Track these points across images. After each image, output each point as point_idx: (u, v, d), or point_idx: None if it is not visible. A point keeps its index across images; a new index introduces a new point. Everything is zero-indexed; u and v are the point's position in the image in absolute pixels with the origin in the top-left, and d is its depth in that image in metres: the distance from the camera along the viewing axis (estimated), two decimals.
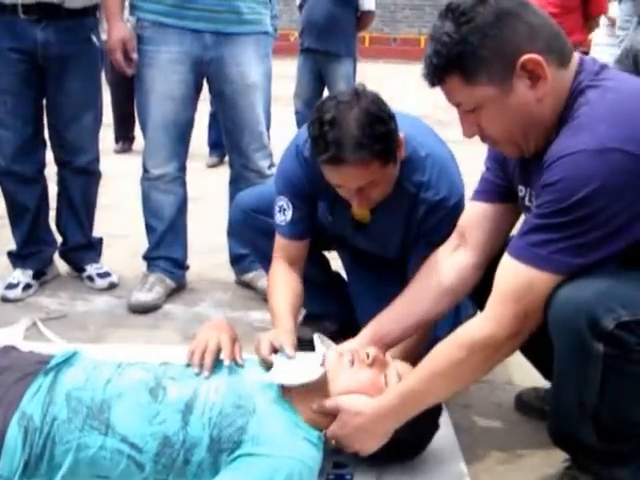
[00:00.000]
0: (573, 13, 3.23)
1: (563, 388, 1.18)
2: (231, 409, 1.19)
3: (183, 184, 2.18)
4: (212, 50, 2.01)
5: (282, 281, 1.57)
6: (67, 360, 1.25)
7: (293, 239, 1.61)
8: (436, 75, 1.16)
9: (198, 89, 2.10)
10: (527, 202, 1.26)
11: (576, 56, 1.17)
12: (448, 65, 1.13)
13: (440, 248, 1.45)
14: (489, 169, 1.39)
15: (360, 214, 1.61)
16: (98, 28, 2.09)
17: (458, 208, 1.50)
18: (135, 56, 2.02)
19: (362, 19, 4.53)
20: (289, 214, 1.59)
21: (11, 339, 1.68)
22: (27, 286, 2.14)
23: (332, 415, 1.25)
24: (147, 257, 2.21)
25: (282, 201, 1.61)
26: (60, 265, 2.33)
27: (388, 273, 1.72)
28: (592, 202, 1.05)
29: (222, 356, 1.29)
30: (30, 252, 2.17)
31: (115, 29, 1.99)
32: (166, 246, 2.17)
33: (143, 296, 2.09)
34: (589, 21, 3.39)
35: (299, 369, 1.26)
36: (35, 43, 1.95)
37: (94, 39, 2.06)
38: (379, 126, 1.36)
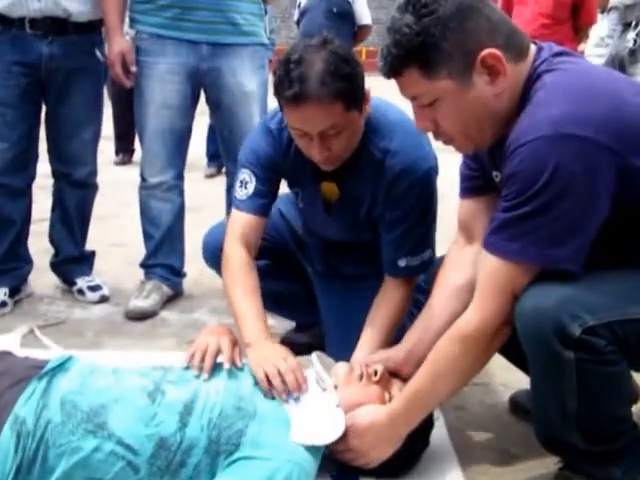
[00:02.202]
0: (564, 24, 3.30)
1: (542, 397, 1.19)
2: (231, 411, 1.20)
3: (181, 193, 2.20)
4: (209, 61, 2.04)
5: (245, 278, 1.48)
6: (62, 365, 1.25)
7: (253, 213, 1.53)
8: (394, 66, 1.13)
9: (195, 99, 2.13)
10: None
11: (533, 47, 1.16)
12: (408, 56, 1.11)
13: (451, 248, 1.44)
14: (466, 163, 1.39)
15: (329, 190, 1.55)
16: (103, 43, 2.12)
17: (427, 179, 1.45)
18: (134, 69, 2.05)
19: (359, 33, 4.59)
20: (251, 187, 1.53)
21: (8, 346, 1.68)
22: (2, 304, 2.09)
23: None
24: (144, 264, 2.22)
25: (244, 174, 1.55)
26: (51, 278, 2.31)
27: (360, 298, 1.60)
28: (551, 189, 1.05)
29: (221, 359, 1.30)
30: (7, 269, 2.14)
31: (115, 43, 2.03)
32: (163, 254, 2.19)
33: (140, 303, 2.10)
34: (579, 32, 3.45)
35: (319, 419, 1.23)
36: (40, 57, 1.97)
37: (98, 54, 2.08)
38: (344, 66, 1.34)
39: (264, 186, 1.54)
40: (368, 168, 1.48)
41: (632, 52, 2.10)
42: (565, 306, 1.07)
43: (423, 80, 1.12)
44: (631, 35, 2.08)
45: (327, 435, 1.22)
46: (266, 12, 2.18)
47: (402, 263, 1.51)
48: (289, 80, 1.32)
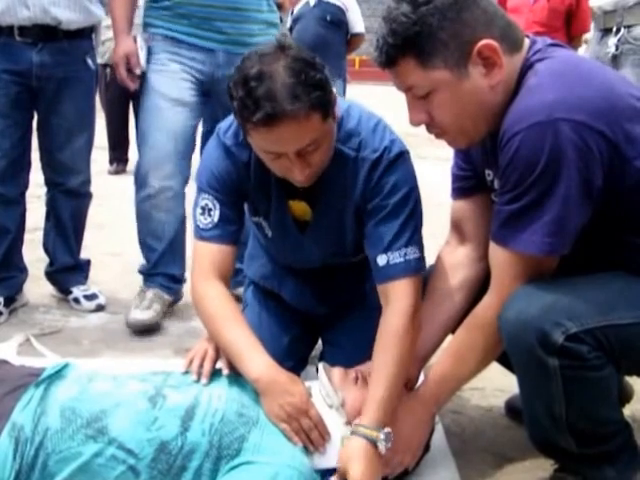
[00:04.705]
0: (558, 32, 3.33)
1: (531, 404, 1.20)
2: (234, 416, 1.20)
3: (183, 202, 2.12)
4: (224, 68, 1.99)
5: (231, 312, 1.34)
6: (59, 372, 1.25)
7: (223, 243, 1.37)
8: (390, 56, 1.12)
9: (203, 104, 2.09)
10: (496, 185, 1.25)
11: (527, 40, 1.17)
12: (404, 45, 1.10)
13: (442, 249, 1.44)
14: (457, 163, 1.39)
15: (299, 210, 1.42)
16: (94, 51, 2.12)
17: (401, 162, 1.33)
18: (139, 71, 2.03)
19: (352, 41, 4.62)
20: (216, 214, 1.36)
21: (4, 355, 1.68)
22: None
23: None
24: (144, 272, 2.18)
25: (206, 200, 1.37)
26: (47, 287, 2.31)
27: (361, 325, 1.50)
28: (548, 176, 1.05)
29: (220, 365, 1.30)
30: (2, 278, 2.12)
31: (120, 44, 2.01)
32: (165, 264, 2.13)
33: (141, 315, 2.05)
34: (572, 40, 3.49)
35: (330, 441, 1.24)
36: (30, 65, 1.96)
37: (89, 62, 2.08)
38: (313, 72, 1.17)
39: (229, 210, 1.37)
40: (343, 170, 1.35)
41: (614, 57, 2.10)
42: (548, 314, 1.08)
43: (419, 70, 1.12)
44: (612, 41, 2.09)
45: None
46: (281, 20, 2.17)
47: (382, 261, 1.31)
48: (254, 101, 1.14)
